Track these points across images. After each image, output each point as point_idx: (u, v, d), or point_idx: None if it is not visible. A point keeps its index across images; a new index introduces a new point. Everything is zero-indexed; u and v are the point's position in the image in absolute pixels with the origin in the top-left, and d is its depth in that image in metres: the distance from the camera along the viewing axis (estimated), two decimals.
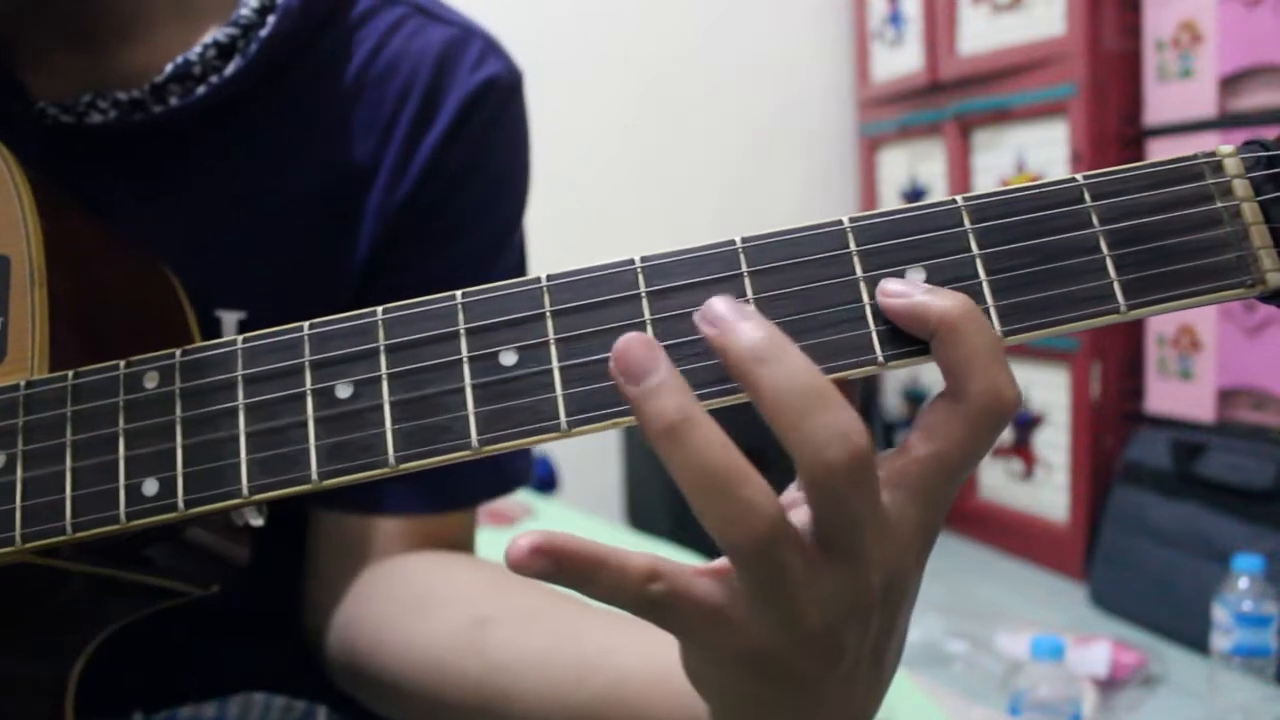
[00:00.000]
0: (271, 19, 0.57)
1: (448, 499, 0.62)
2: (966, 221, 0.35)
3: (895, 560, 0.34)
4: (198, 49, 0.56)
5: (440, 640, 0.53)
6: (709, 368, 0.35)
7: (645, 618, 0.34)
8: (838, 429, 0.31)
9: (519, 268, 0.67)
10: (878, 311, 0.34)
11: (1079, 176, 0.35)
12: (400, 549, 0.60)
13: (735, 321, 0.32)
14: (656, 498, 2.37)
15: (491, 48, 0.64)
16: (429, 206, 0.61)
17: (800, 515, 0.33)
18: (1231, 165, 0.34)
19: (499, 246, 0.65)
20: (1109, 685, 1.65)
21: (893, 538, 0.34)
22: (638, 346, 0.31)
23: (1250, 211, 0.34)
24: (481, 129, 0.62)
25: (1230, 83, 1.83)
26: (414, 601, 0.57)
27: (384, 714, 0.59)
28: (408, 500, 0.60)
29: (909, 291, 0.33)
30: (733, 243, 0.35)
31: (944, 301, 0.33)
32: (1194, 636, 1.70)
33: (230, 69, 0.56)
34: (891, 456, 0.34)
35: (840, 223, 0.35)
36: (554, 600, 0.53)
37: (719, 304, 0.32)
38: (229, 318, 0.56)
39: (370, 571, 0.59)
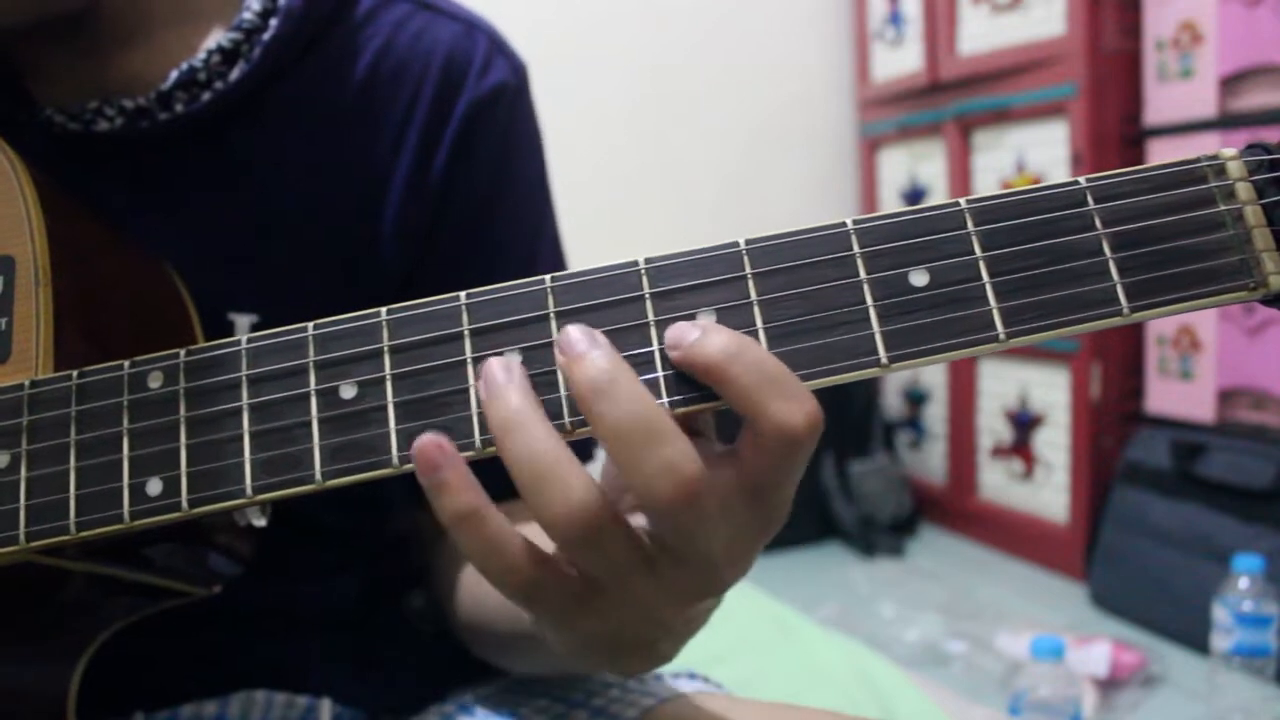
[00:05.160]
0: (274, 22, 0.57)
1: None
2: (970, 224, 0.35)
3: (733, 552, 0.36)
4: (202, 55, 0.56)
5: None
6: None
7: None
8: (665, 463, 0.33)
9: (557, 251, 0.69)
10: (882, 313, 0.34)
11: (1082, 179, 0.35)
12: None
13: (584, 352, 0.34)
14: None
15: (497, 46, 0.64)
16: (458, 217, 0.61)
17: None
18: (1234, 168, 0.34)
19: (538, 236, 0.67)
20: (1109, 685, 1.65)
21: (728, 536, 0.36)
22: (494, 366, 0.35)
23: (1253, 215, 0.34)
24: (494, 136, 0.63)
25: (1230, 83, 1.83)
26: None
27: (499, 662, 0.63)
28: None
29: (682, 340, 0.35)
30: (736, 244, 0.35)
31: (706, 350, 0.34)
32: (1194, 636, 1.69)
33: (235, 74, 0.56)
34: (723, 465, 0.36)
35: (844, 225, 0.35)
36: None
37: (573, 331, 0.35)
38: (242, 320, 0.57)
39: None
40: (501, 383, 0.35)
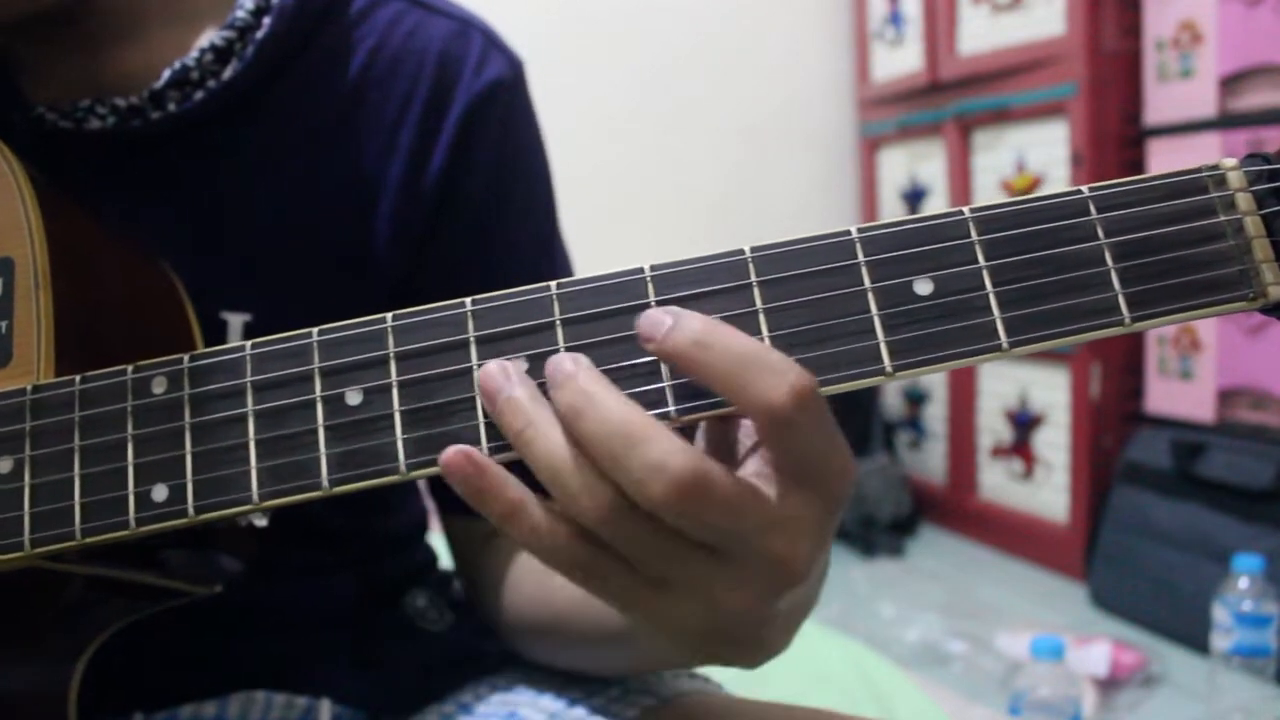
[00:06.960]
0: (267, 20, 0.57)
1: None
2: (973, 233, 0.35)
3: (790, 540, 0.34)
4: (194, 53, 0.56)
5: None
6: None
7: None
8: (649, 464, 0.32)
9: (562, 249, 0.68)
10: (886, 322, 0.34)
11: (1084, 189, 0.35)
12: None
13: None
14: None
15: (492, 43, 0.63)
16: (459, 218, 0.61)
17: None
18: (1234, 179, 0.34)
19: (548, 232, 0.66)
20: (1109, 685, 1.65)
21: (769, 525, 0.34)
22: (493, 371, 0.35)
23: (1253, 225, 0.34)
24: (494, 134, 0.62)
25: (1230, 83, 1.83)
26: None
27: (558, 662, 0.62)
28: None
29: (655, 332, 0.33)
30: (742, 252, 0.35)
31: (676, 340, 0.33)
32: (1194, 636, 1.70)
33: (227, 73, 0.56)
34: (748, 457, 0.35)
35: (848, 233, 0.35)
36: None
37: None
38: (234, 320, 0.56)
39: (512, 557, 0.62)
40: (504, 386, 0.35)
